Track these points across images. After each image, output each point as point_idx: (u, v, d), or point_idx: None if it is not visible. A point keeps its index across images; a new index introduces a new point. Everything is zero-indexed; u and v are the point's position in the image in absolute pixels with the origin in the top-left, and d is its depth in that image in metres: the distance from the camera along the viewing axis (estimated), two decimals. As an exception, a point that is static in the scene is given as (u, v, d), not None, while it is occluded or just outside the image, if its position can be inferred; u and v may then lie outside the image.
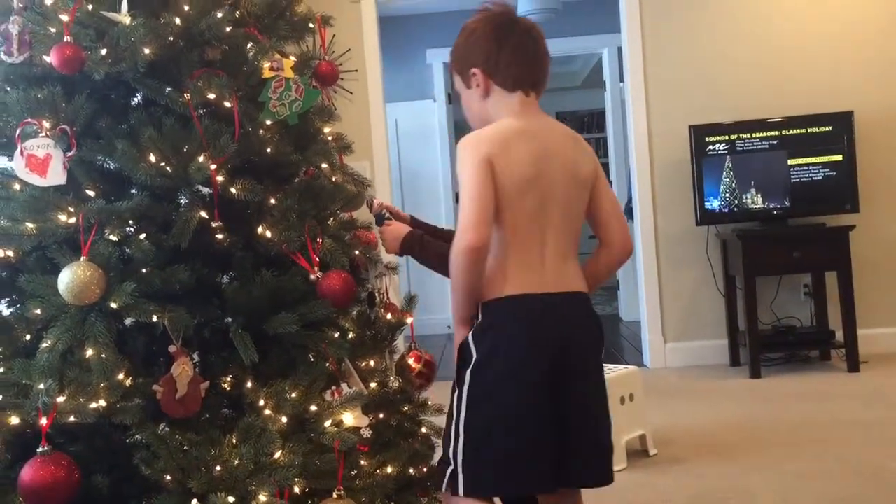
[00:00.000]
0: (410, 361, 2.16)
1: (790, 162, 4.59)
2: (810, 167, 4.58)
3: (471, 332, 1.76)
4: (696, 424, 3.69)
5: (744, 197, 4.61)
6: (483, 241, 1.66)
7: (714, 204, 4.63)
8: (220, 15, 1.78)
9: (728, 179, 4.61)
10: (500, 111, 1.80)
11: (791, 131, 4.60)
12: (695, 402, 4.09)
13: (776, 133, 4.60)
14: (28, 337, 1.67)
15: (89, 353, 1.55)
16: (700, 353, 4.93)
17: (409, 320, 2.20)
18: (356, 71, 2.31)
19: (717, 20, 4.87)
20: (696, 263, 4.90)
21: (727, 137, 4.61)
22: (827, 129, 4.57)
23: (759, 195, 4.61)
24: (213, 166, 1.66)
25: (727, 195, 4.62)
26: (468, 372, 1.75)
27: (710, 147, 4.62)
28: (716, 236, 4.84)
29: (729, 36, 4.87)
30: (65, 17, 1.66)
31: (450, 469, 1.76)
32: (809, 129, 4.59)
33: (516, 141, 1.74)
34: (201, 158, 1.66)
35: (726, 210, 4.63)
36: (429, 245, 2.01)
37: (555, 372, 1.70)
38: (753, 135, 4.61)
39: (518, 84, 1.80)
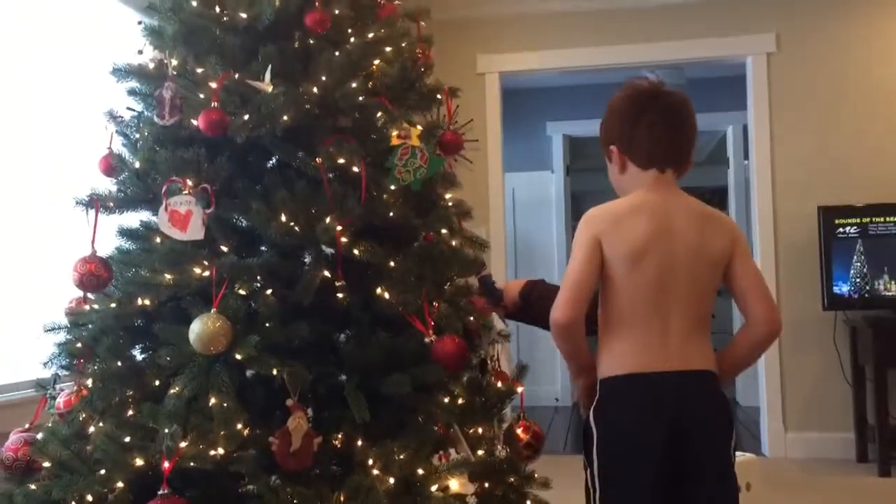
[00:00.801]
0: (518, 431, 2.13)
1: (926, 248, 4.35)
2: (950, 254, 4.32)
3: (591, 409, 1.79)
4: (817, 522, 3.47)
5: (876, 283, 4.38)
6: (569, 319, 1.75)
7: (843, 289, 4.42)
8: (354, 85, 1.87)
9: (859, 264, 4.40)
10: (635, 186, 1.85)
11: (929, 216, 4.37)
12: (818, 498, 3.85)
13: (911, 217, 4.38)
14: (157, 382, 1.75)
15: (212, 401, 1.62)
16: (824, 446, 4.65)
17: (519, 389, 2.18)
18: (477, 140, 2.36)
19: (847, 98, 4.73)
20: (821, 350, 4.67)
21: (858, 220, 4.42)
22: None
23: (892, 282, 4.37)
24: (339, 228, 1.73)
25: (857, 280, 4.40)
26: (594, 451, 1.76)
27: (840, 230, 4.43)
28: (844, 322, 4.60)
29: (861, 115, 4.71)
30: (213, 85, 1.78)
31: None
32: (949, 215, 4.35)
33: (631, 216, 1.77)
34: (328, 220, 1.73)
35: (856, 295, 4.41)
36: (550, 289, 2.02)
37: (672, 458, 1.68)
38: (887, 219, 4.40)
39: (652, 162, 1.82)
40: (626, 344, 1.76)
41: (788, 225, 4.75)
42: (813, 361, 4.70)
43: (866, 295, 4.39)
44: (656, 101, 1.82)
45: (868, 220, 4.41)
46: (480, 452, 1.91)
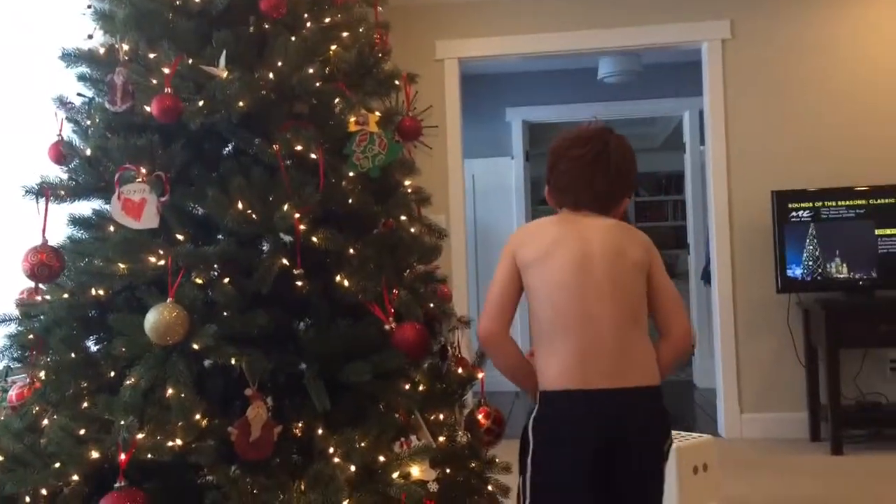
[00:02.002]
0: (480, 417, 2.14)
1: (878, 232, 4.44)
2: (899, 237, 4.42)
3: (531, 419, 1.78)
4: (772, 499, 3.54)
5: (828, 266, 4.47)
6: (488, 331, 1.78)
7: (796, 272, 4.51)
8: (311, 71, 1.85)
9: (812, 247, 4.49)
10: None
11: (879, 200, 4.46)
12: (772, 477, 3.93)
13: (863, 202, 4.47)
14: (112, 374, 1.73)
15: (169, 392, 1.60)
16: (778, 426, 4.74)
17: (479, 375, 2.19)
18: (437, 127, 2.35)
19: (801, 86, 4.80)
20: (775, 332, 4.76)
21: (811, 204, 4.50)
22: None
23: (844, 265, 4.47)
24: (297, 215, 1.71)
25: (810, 263, 4.49)
26: (529, 459, 1.76)
27: (794, 214, 4.51)
28: (797, 305, 4.70)
29: (814, 101, 4.79)
30: (166, 70, 1.75)
31: None
32: (898, 199, 4.45)
33: (543, 227, 1.86)
34: (286, 207, 1.72)
35: (809, 278, 4.50)
36: None
37: (604, 476, 1.71)
38: (839, 203, 4.49)
39: (563, 205, 1.88)
40: (558, 356, 1.74)
41: (743, 209, 4.82)
42: (767, 343, 4.79)
43: (819, 278, 4.48)
44: (569, 151, 1.85)
45: (820, 204, 4.49)
46: (442, 438, 1.92)
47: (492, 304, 1.80)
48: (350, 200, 1.86)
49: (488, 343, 1.80)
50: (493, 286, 1.82)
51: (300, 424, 1.72)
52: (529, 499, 1.75)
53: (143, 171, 1.73)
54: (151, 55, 1.83)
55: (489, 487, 2.09)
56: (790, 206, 4.52)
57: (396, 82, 2.13)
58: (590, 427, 1.70)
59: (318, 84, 1.88)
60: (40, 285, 1.81)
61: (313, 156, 1.79)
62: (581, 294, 1.74)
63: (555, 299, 1.75)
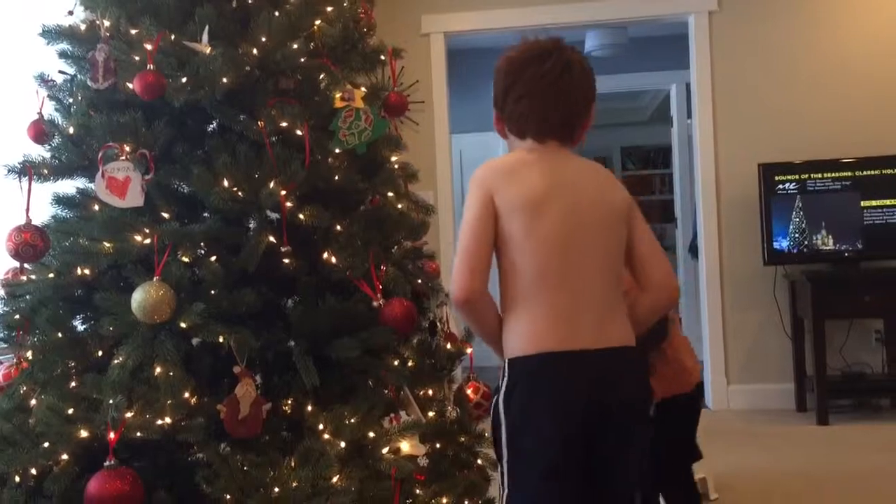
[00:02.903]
0: (469, 392, 2.15)
1: (863, 203, 4.46)
2: (884, 209, 4.44)
3: (500, 395, 1.57)
4: (759, 470, 3.58)
5: (814, 238, 4.50)
6: (468, 292, 1.53)
7: (782, 244, 4.53)
8: (295, 46, 1.83)
9: (798, 220, 4.51)
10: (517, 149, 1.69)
11: (864, 172, 4.48)
12: (758, 447, 3.97)
13: (849, 174, 4.49)
14: (100, 353, 1.72)
15: (158, 370, 1.60)
16: (764, 397, 4.79)
17: (468, 350, 2.20)
18: (423, 102, 2.34)
19: (788, 58, 4.80)
20: (762, 304, 4.79)
21: (797, 177, 4.52)
22: (904, 170, 4.44)
23: (829, 237, 4.49)
24: (283, 192, 1.70)
25: (796, 235, 4.51)
26: (503, 442, 1.56)
27: (780, 186, 4.52)
28: (783, 277, 4.72)
29: (801, 75, 4.79)
30: (148, 46, 1.73)
31: None
32: (884, 171, 4.46)
33: (522, 168, 1.59)
34: (272, 184, 1.71)
35: (795, 250, 4.52)
36: None
37: (587, 446, 1.53)
38: (825, 175, 4.50)
39: (524, 134, 1.64)
40: (533, 318, 1.54)
41: (730, 182, 4.83)
42: (754, 315, 4.82)
43: (805, 250, 4.51)
44: (526, 70, 1.62)
45: (807, 176, 4.51)
46: (431, 414, 1.93)
47: (469, 259, 1.53)
48: (336, 177, 1.85)
49: (468, 303, 1.53)
50: (467, 235, 1.54)
51: (289, 401, 1.72)
52: (508, 488, 1.55)
53: (127, 148, 1.71)
54: (133, 31, 1.81)
55: (479, 461, 2.11)
56: (777, 178, 4.53)
57: (382, 57, 2.11)
58: (572, 393, 1.51)
59: (302, 60, 1.87)
60: (25, 265, 1.80)
61: (299, 132, 1.78)
62: (571, 248, 1.54)
63: (542, 254, 1.54)
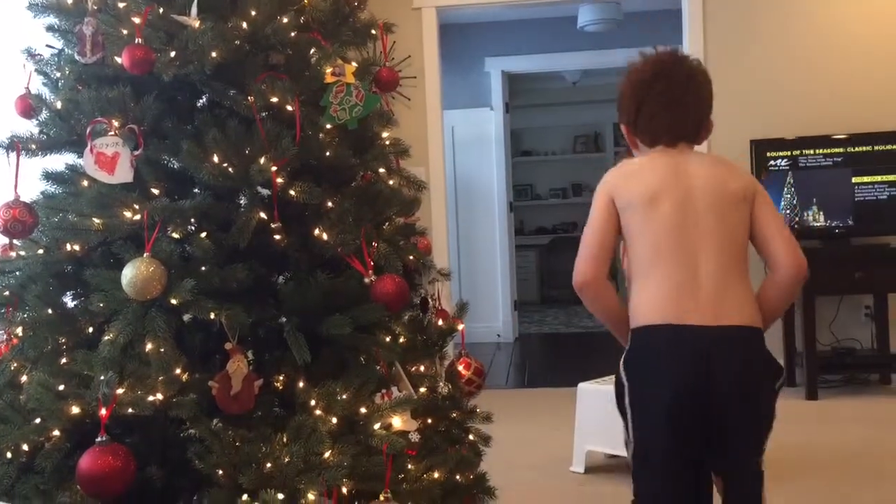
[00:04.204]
0: (460, 368, 2.16)
1: (854, 180, 4.48)
2: (875, 186, 4.46)
3: (622, 360, 1.74)
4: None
5: (805, 214, 4.51)
6: (588, 277, 1.73)
7: (773, 220, 4.54)
8: (285, 20, 1.81)
9: (789, 196, 4.52)
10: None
11: (856, 148, 4.49)
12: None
13: (841, 150, 4.49)
14: (91, 329, 1.72)
15: (149, 347, 1.59)
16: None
17: (460, 327, 2.21)
18: (415, 77, 2.32)
19: (781, 34, 4.78)
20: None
21: (789, 153, 4.52)
22: (893, 146, 4.44)
23: (820, 213, 4.50)
24: (274, 168, 1.69)
25: (787, 212, 4.52)
26: (626, 402, 1.73)
27: (772, 162, 4.53)
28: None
29: (793, 50, 4.77)
30: (137, 20, 1.71)
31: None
32: (875, 147, 4.47)
33: (641, 169, 1.78)
34: (262, 160, 1.70)
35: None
36: None
37: (702, 419, 1.65)
38: (817, 151, 4.51)
39: (656, 142, 1.81)
40: (653, 292, 1.69)
41: (722, 159, 4.83)
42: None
43: (795, 226, 4.52)
44: (654, 86, 1.79)
45: (798, 152, 4.51)
46: (423, 389, 1.94)
47: (589, 248, 1.75)
48: (328, 153, 1.84)
49: (586, 289, 1.74)
50: (589, 229, 1.77)
51: (281, 378, 1.72)
52: (634, 443, 1.72)
53: (116, 124, 1.70)
54: (121, 4, 1.78)
55: (470, 437, 2.12)
56: (768, 154, 4.53)
57: (373, 32, 2.09)
58: (683, 363, 1.64)
59: (292, 34, 1.85)
60: (14, 241, 1.79)
61: (289, 108, 1.77)
62: (686, 234, 1.69)
63: (658, 240, 1.70)
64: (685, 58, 1.83)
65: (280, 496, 1.52)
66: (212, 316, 1.63)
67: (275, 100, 1.76)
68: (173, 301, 1.60)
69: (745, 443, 1.71)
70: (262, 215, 1.72)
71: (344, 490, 1.62)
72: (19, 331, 1.73)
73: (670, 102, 1.78)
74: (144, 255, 1.60)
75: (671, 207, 1.70)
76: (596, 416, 3.16)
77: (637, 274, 1.75)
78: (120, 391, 1.53)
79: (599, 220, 1.76)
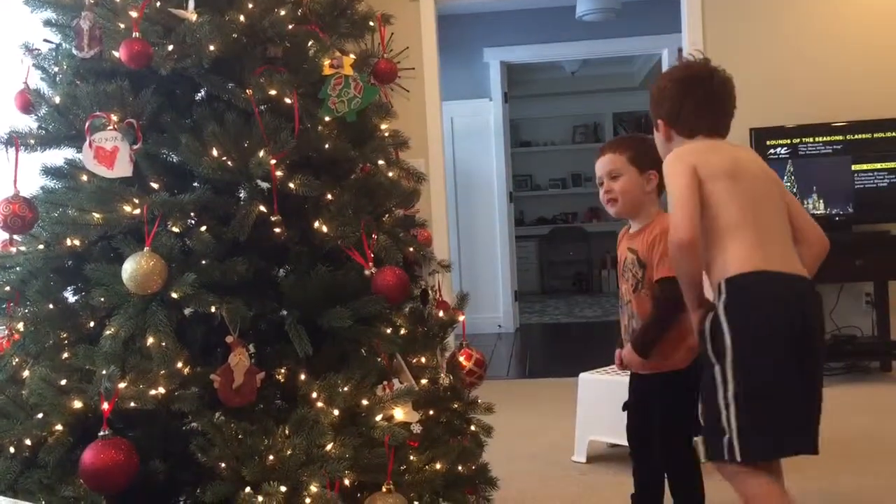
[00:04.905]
0: (461, 359, 2.16)
1: (854, 167, 4.47)
2: (875, 173, 4.45)
3: (720, 308, 1.84)
4: (749, 433, 3.62)
5: (805, 202, 4.50)
6: (692, 235, 1.85)
7: (774, 209, 4.54)
8: (282, 13, 1.81)
9: (789, 184, 4.51)
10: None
11: (856, 136, 4.48)
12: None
13: (840, 138, 4.49)
14: (92, 324, 1.72)
15: (150, 341, 1.60)
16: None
17: (460, 318, 2.21)
18: (413, 69, 2.32)
19: (779, 22, 4.77)
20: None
21: (789, 141, 4.51)
22: (893, 134, 4.44)
23: (821, 201, 4.50)
24: (273, 161, 1.69)
25: (787, 200, 4.52)
26: (727, 346, 1.82)
27: (772, 150, 4.52)
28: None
29: (792, 38, 4.76)
30: (134, 14, 1.70)
31: (726, 438, 1.84)
32: (875, 134, 4.46)
33: (709, 150, 1.99)
34: (261, 153, 1.70)
35: (786, 215, 4.54)
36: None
37: (799, 347, 1.83)
38: (817, 139, 4.50)
39: (695, 134, 2.04)
40: (746, 246, 1.87)
41: (722, 148, 4.82)
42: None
43: (796, 214, 4.52)
44: (699, 85, 2.05)
45: (798, 140, 4.51)
46: (424, 381, 1.94)
47: (690, 208, 1.86)
48: (327, 145, 1.84)
49: (691, 246, 1.85)
50: (682, 195, 1.88)
51: (283, 370, 1.73)
52: (734, 382, 1.81)
53: (114, 118, 1.70)
54: (118, -2, 1.78)
55: (472, 428, 2.12)
56: (768, 143, 4.53)
57: (371, 23, 2.09)
58: (784, 304, 1.84)
59: (290, 26, 1.85)
60: (14, 237, 1.79)
61: (288, 100, 1.76)
62: (760, 205, 1.92)
63: (744, 207, 1.89)
64: (717, 67, 2.11)
65: (283, 489, 1.52)
66: (213, 309, 1.63)
67: (273, 93, 1.76)
68: (174, 295, 1.61)
69: (821, 370, 1.95)
70: (262, 208, 1.72)
71: (346, 482, 1.62)
72: (20, 326, 1.73)
73: (712, 101, 2.05)
74: (145, 249, 1.60)
75: (748, 181, 1.93)
76: (597, 405, 3.16)
77: (722, 236, 1.90)
78: (122, 385, 1.54)
79: (691, 186, 1.89)
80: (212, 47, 1.70)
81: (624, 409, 2.43)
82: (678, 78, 2.09)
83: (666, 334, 2.20)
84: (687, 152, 1.98)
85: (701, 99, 2.04)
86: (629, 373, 2.38)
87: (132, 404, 1.55)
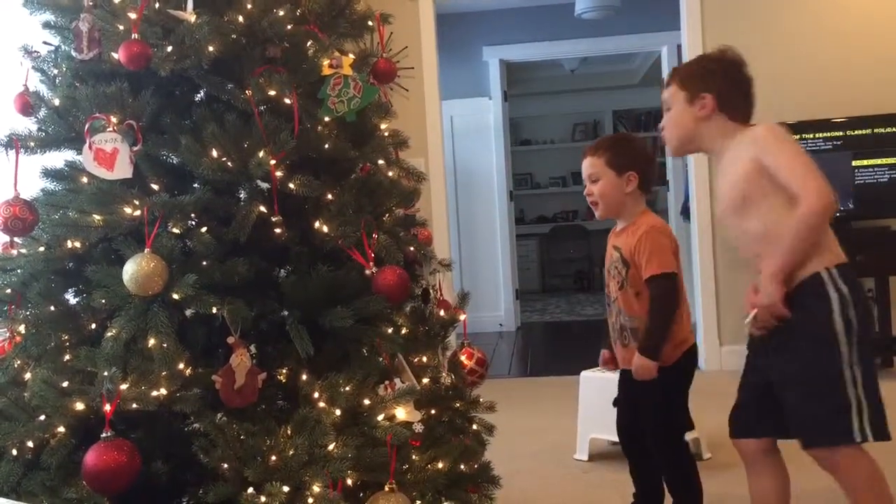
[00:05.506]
0: (463, 358, 2.17)
1: (854, 163, 4.47)
2: (875, 169, 4.45)
3: (843, 294, 1.90)
4: (751, 429, 3.62)
5: (805, 198, 4.50)
6: (832, 198, 1.88)
7: (774, 205, 4.54)
8: (281, 13, 1.81)
9: (789, 180, 4.51)
10: (711, 133, 2.10)
11: (856, 132, 4.48)
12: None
13: (840, 133, 4.48)
14: (93, 326, 1.72)
15: (151, 342, 1.60)
16: (757, 357, 4.83)
17: (461, 317, 2.21)
18: (413, 68, 2.32)
19: (778, 19, 4.77)
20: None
21: (789, 137, 4.52)
22: (893, 129, 4.44)
23: (821, 197, 4.50)
24: (273, 162, 1.69)
25: (788, 196, 4.52)
26: (855, 325, 1.88)
27: (771, 147, 4.52)
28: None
29: (790, 35, 4.76)
30: (133, 15, 1.70)
31: (855, 417, 1.87)
32: (875, 130, 4.46)
33: None
34: (261, 154, 1.70)
35: (787, 212, 4.53)
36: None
37: None
38: (817, 135, 4.50)
39: (737, 117, 2.10)
40: (831, 237, 1.97)
41: (722, 144, 4.82)
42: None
43: (796, 211, 4.52)
44: (747, 73, 2.16)
45: (798, 136, 4.50)
46: (426, 380, 1.94)
47: (820, 174, 1.89)
48: (326, 145, 1.84)
49: (830, 209, 1.89)
50: (807, 162, 1.91)
51: (284, 370, 1.73)
52: (867, 368, 1.88)
53: (114, 119, 1.70)
54: (116, 0, 1.78)
55: (474, 426, 2.12)
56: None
57: (370, 23, 2.09)
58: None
59: (289, 27, 1.85)
60: (15, 239, 1.79)
61: (287, 101, 1.76)
62: None
63: None
64: None
65: (285, 489, 1.52)
66: (214, 310, 1.63)
67: (272, 93, 1.76)
68: (175, 296, 1.61)
69: None
70: (262, 209, 1.72)
71: (349, 481, 1.62)
72: (22, 328, 1.73)
73: (752, 90, 2.13)
74: (145, 250, 1.60)
75: None
76: (599, 403, 3.16)
77: None
78: (123, 387, 1.54)
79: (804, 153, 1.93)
80: (211, 48, 1.70)
81: (614, 405, 2.44)
82: (731, 59, 2.14)
83: (670, 331, 2.21)
84: (778, 128, 2.02)
85: (748, 88, 2.12)
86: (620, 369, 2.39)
87: (134, 406, 1.55)
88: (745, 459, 2.13)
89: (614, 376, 2.77)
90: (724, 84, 2.09)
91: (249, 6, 1.79)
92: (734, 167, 2.04)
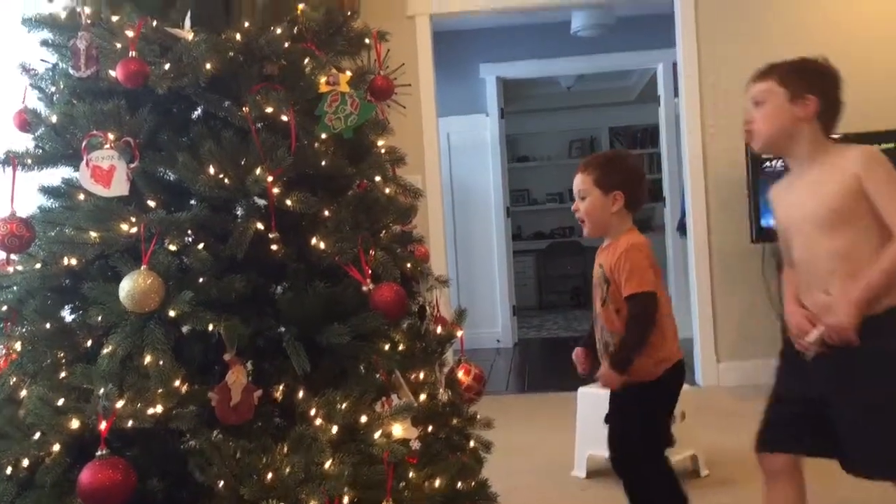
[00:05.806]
0: (460, 375, 2.16)
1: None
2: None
3: None
4: (749, 446, 3.61)
5: (801, 214, 4.51)
6: None
7: (770, 221, 4.54)
8: (278, 31, 1.82)
9: (785, 196, 4.52)
10: (804, 138, 2.07)
11: (850, 148, 4.50)
12: (748, 423, 3.99)
13: (835, 150, 4.50)
14: (89, 343, 1.71)
15: (147, 359, 1.59)
16: (754, 373, 4.82)
17: (459, 333, 2.20)
18: (410, 85, 2.33)
19: (773, 37, 4.80)
20: (751, 281, 4.81)
21: (784, 154, 4.53)
22: (890, 145, 4.45)
23: (817, 213, 4.51)
24: (270, 178, 1.69)
25: (784, 212, 4.53)
26: None
27: (767, 164, 4.53)
28: (772, 254, 4.75)
29: (785, 53, 4.77)
30: (130, 33, 1.71)
31: None
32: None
33: None
34: (258, 171, 1.70)
35: (783, 228, 4.54)
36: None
37: None
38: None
39: (828, 130, 2.09)
40: None
41: (717, 160, 4.84)
42: (743, 293, 4.85)
43: (792, 227, 4.52)
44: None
45: (793, 153, 4.52)
46: (423, 397, 1.93)
47: None
48: (323, 162, 1.85)
49: None
50: None
51: (281, 387, 1.72)
52: None
53: (111, 137, 1.70)
54: (114, 18, 1.79)
55: (471, 443, 2.12)
56: (763, 155, 4.54)
57: (367, 41, 2.09)
58: None
59: (286, 44, 1.85)
60: (11, 256, 1.79)
61: (284, 118, 1.77)
62: None
63: None
64: None
65: (282, 507, 1.52)
66: (210, 327, 1.63)
67: (270, 110, 1.76)
68: (171, 313, 1.60)
69: None
70: (259, 226, 1.72)
71: (345, 499, 1.61)
72: (18, 345, 1.73)
73: (842, 111, 2.11)
74: (142, 267, 1.60)
75: None
76: (597, 419, 3.15)
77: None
78: (119, 404, 1.53)
79: None
80: (208, 66, 1.71)
81: (606, 422, 2.44)
82: (838, 74, 2.12)
83: (642, 350, 2.22)
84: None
85: (841, 107, 2.10)
86: None
87: (130, 423, 1.54)
88: (770, 473, 2.12)
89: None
90: (831, 92, 2.07)
91: (247, 24, 1.80)
92: (829, 181, 2.00)
